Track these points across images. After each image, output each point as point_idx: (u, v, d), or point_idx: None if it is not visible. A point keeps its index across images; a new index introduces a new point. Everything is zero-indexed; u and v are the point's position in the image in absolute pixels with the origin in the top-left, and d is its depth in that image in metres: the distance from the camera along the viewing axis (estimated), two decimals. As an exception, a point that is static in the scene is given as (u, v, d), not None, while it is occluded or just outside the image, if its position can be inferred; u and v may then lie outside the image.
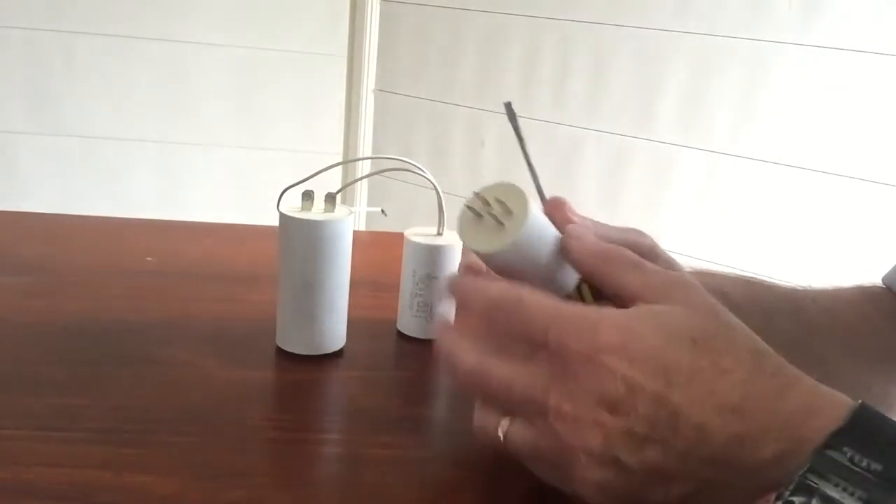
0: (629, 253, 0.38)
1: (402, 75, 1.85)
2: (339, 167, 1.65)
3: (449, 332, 0.39)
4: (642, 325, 0.33)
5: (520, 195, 0.38)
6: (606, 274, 0.38)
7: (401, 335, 0.57)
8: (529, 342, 0.35)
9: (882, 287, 0.55)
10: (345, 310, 0.52)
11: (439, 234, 0.55)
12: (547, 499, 0.38)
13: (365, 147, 1.90)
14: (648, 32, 1.52)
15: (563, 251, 0.39)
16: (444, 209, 0.55)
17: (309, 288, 0.50)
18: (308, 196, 0.50)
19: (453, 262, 0.55)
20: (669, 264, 0.43)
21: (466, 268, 0.43)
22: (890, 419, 0.31)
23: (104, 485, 0.37)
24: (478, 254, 0.38)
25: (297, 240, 0.49)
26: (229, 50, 1.77)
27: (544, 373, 0.34)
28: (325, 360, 0.51)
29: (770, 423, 0.31)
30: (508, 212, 0.38)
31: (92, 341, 0.51)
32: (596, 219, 0.47)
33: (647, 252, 0.43)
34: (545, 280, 0.39)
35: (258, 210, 0.88)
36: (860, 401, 0.32)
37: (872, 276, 0.57)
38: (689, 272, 0.50)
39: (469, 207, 0.39)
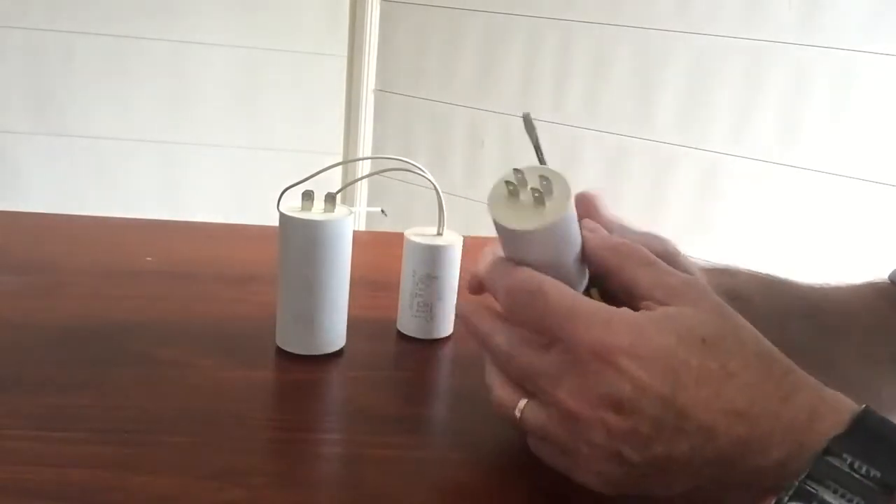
0: (643, 250, 0.38)
1: (402, 75, 1.85)
2: (339, 167, 1.65)
3: (479, 308, 0.39)
4: (653, 326, 0.33)
5: (562, 178, 0.36)
6: (619, 267, 0.38)
7: (401, 335, 0.57)
8: (545, 332, 0.35)
9: (888, 283, 0.55)
10: (345, 310, 0.52)
11: (439, 234, 0.55)
12: (548, 499, 0.38)
13: (365, 147, 1.90)
14: (648, 32, 1.52)
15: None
16: (444, 209, 0.55)
17: (309, 288, 0.50)
18: (308, 196, 0.50)
19: (453, 262, 0.55)
20: (688, 270, 0.43)
21: (495, 255, 0.43)
22: (893, 424, 0.31)
23: (104, 485, 0.37)
24: (507, 230, 0.36)
25: (297, 240, 0.49)
26: (229, 50, 1.77)
27: (557, 365, 0.34)
28: (325, 360, 0.51)
29: (774, 427, 0.31)
30: (549, 191, 0.36)
31: (92, 341, 0.51)
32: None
33: (669, 259, 0.44)
34: (565, 274, 0.38)
35: (258, 210, 0.88)
36: (864, 405, 0.32)
37: (874, 276, 0.57)
38: (710, 269, 0.50)
39: (507, 182, 0.37)
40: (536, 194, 0.36)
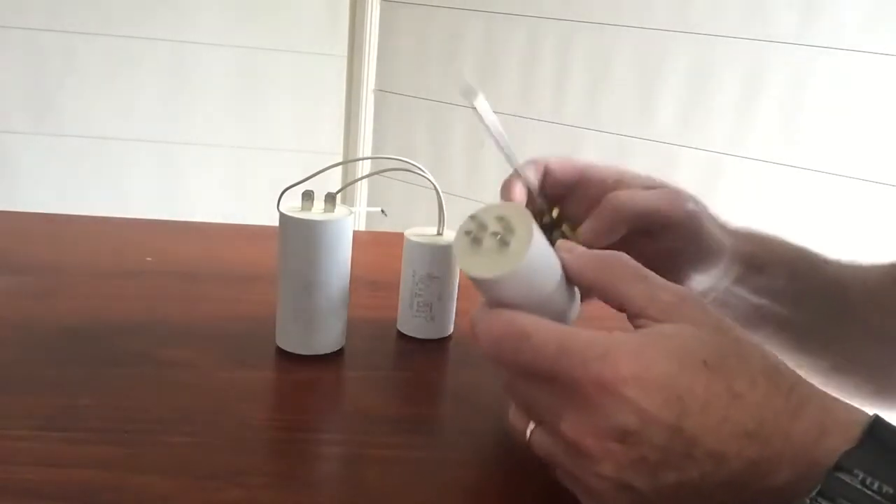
0: (628, 260, 0.37)
1: (402, 75, 1.85)
2: (339, 167, 1.65)
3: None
4: (653, 351, 0.32)
5: (521, 212, 0.35)
6: (609, 284, 0.36)
7: (401, 335, 0.57)
8: (541, 374, 0.34)
9: None
10: (345, 310, 0.52)
11: (439, 234, 0.55)
12: (549, 499, 0.38)
13: (365, 147, 1.90)
14: (648, 32, 1.52)
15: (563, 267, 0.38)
16: (444, 209, 0.55)
17: (309, 288, 0.50)
18: (308, 196, 0.50)
19: (453, 262, 0.55)
20: (715, 233, 0.43)
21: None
22: None
23: (104, 485, 0.37)
24: (480, 282, 0.35)
25: (297, 240, 0.49)
26: (229, 50, 1.77)
27: (558, 398, 0.33)
28: (325, 360, 0.51)
29: (785, 446, 0.31)
30: (510, 230, 0.35)
31: (92, 341, 0.51)
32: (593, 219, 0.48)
33: (695, 221, 0.43)
34: (551, 305, 0.37)
35: (258, 210, 0.88)
36: (874, 414, 0.31)
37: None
38: (739, 232, 0.50)
39: (466, 232, 0.36)
40: (498, 237, 0.35)
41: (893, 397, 0.56)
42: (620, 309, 0.36)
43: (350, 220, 0.50)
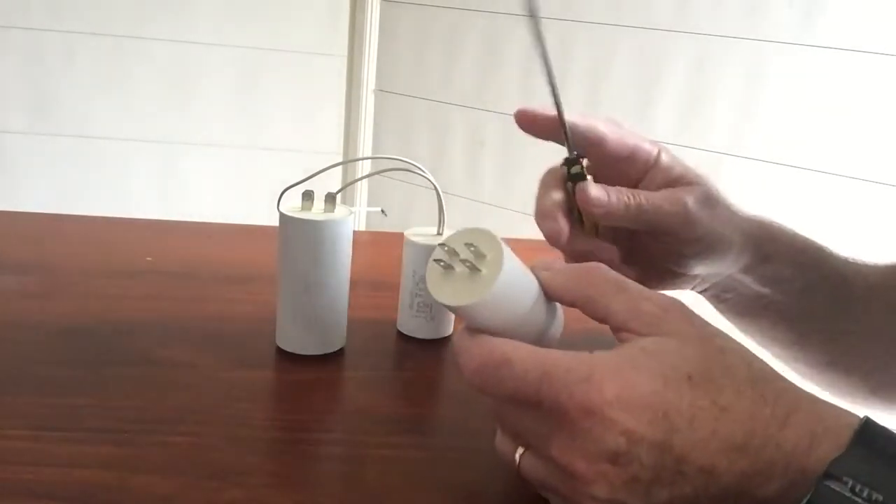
0: (607, 272, 0.37)
1: (402, 75, 1.85)
2: (339, 167, 1.65)
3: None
4: (636, 370, 0.32)
5: (490, 236, 0.35)
6: (590, 299, 0.36)
7: (401, 335, 0.57)
8: (526, 400, 0.33)
9: None
10: (345, 310, 0.52)
11: (439, 234, 0.55)
12: (549, 500, 0.38)
13: (365, 147, 1.90)
14: (648, 32, 1.52)
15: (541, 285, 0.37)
16: (444, 209, 0.55)
17: (309, 288, 0.50)
18: (308, 196, 0.50)
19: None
20: (733, 218, 0.44)
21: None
22: (895, 438, 0.31)
23: (104, 485, 0.37)
24: (455, 309, 0.35)
25: (297, 240, 0.49)
26: (229, 50, 1.77)
27: (545, 423, 0.33)
28: (325, 360, 0.51)
29: (775, 456, 0.31)
30: (481, 255, 0.35)
31: (92, 341, 0.51)
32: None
33: (710, 200, 0.45)
34: (531, 325, 0.37)
35: (258, 210, 0.88)
36: (864, 417, 0.31)
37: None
38: (750, 219, 0.50)
39: (436, 261, 0.36)
40: (468, 264, 0.35)
41: (889, 396, 0.56)
42: (603, 322, 0.36)
43: (350, 220, 0.50)
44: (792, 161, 1.42)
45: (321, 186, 0.49)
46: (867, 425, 0.31)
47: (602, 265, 0.37)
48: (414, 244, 0.54)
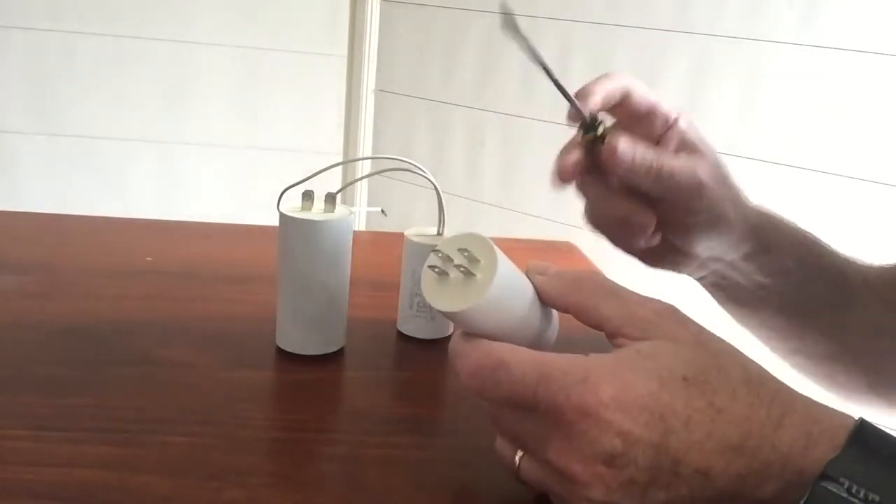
0: (601, 279, 0.37)
1: (402, 75, 1.85)
2: (339, 167, 1.65)
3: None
4: (632, 372, 0.32)
5: (483, 241, 0.35)
6: (584, 305, 0.36)
7: (401, 335, 0.57)
8: (522, 403, 0.34)
9: None
10: (345, 310, 0.52)
11: (439, 234, 0.55)
12: (549, 500, 0.38)
13: (365, 147, 1.90)
14: (648, 32, 1.52)
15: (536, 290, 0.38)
16: (444, 209, 0.55)
17: (309, 288, 0.50)
18: (308, 196, 0.50)
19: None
20: (739, 202, 0.44)
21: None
22: (890, 438, 0.31)
23: (104, 485, 0.37)
24: (450, 315, 0.35)
25: (297, 240, 0.49)
26: (229, 50, 1.77)
27: (542, 426, 0.33)
28: (325, 360, 0.51)
29: (771, 457, 0.31)
30: (475, 260, 0.35)
31: (92, 341, 0.51)
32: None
33: (728, 185, 0.45)
34: (526, 329, 0.37)
35: (258, 210, 0.88)
36: (859, 418, 0.31)
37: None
38: (756, 210, 0.51)
39: (431, 267, 0.36)
40: (462, 269, 0.35)
41: (886, 392, 0.56)
42: (598, 328, 0.36)
43: (350, 220, 0.50)
44: (792, 161, 1.42)
45: (321, 186, 0.49)
46: (863, 426, 0.31)
47: (596, 272, 0.38)
48: (414, 244, 0.54)
